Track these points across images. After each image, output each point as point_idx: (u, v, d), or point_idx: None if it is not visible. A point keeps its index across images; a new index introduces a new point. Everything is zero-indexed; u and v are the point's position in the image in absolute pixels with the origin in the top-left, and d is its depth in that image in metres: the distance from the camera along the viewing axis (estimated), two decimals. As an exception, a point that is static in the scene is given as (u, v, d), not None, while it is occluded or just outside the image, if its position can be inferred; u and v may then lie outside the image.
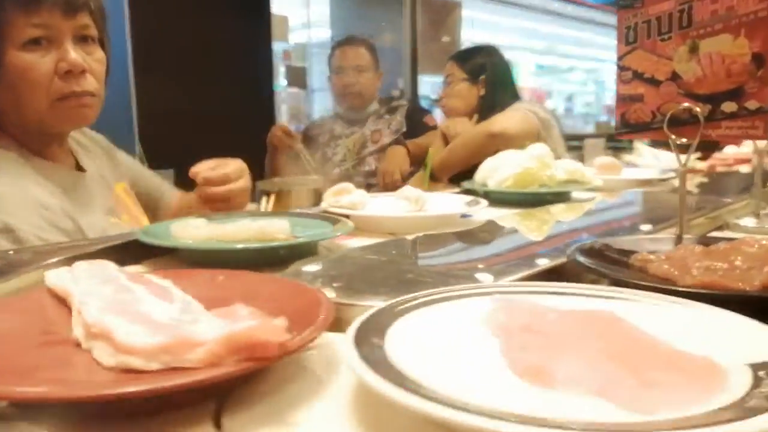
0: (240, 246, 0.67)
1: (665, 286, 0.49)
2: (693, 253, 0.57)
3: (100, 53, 0.97)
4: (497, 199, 1.09)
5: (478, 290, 0.48)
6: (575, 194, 1.22)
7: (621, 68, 0.75)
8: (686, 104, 0.69)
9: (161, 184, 1.27)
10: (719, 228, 0.91)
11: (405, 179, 2.30)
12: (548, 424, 0.27)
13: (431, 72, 4.65)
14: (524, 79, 6.96)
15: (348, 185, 0.97)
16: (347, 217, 0.83)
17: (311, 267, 0.61)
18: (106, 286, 0.49)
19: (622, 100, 0.75)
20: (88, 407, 0.36)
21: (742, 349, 0.35)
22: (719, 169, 1.75)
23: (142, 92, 2.83)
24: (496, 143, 1.81)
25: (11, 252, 0.72)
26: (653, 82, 0.73)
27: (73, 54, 0.89)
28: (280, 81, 3.88)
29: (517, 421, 0.27)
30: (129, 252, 0.70)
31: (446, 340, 0.40)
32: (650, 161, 1.72)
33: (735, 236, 0.68)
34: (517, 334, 0.39)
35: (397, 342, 0.38)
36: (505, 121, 1.88)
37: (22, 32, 0.86)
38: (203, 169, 0.99)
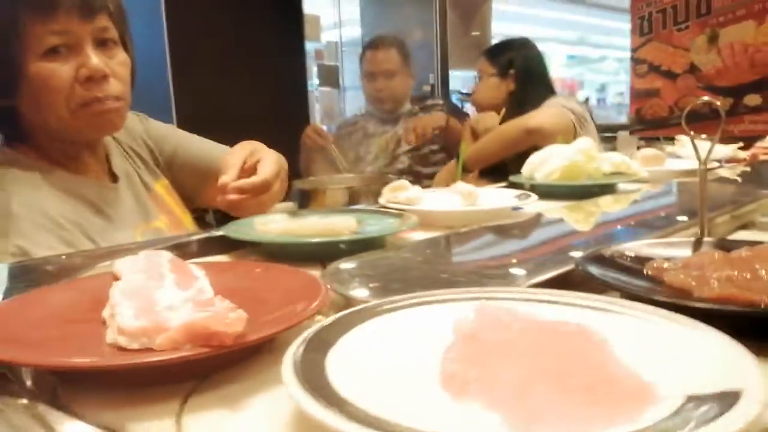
0: (308, 240, 0.73)
1: (678, 301, 0.45)
2: (712, 261, 0.52)
3: (122, 56, 0.93)
4: (545, 192, 1.11)
5: (467, 295, 0.46)
6: (621, 186, 1.23)
7: (635, 61, 0.75)
8: (706, 98, 0.63)
9: (211, 149, 1.16)
10: (745, 226, 0.85)
11: (436, 133, 2.35)
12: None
13: (462, 66, 4.65)
14: (555, 70, 6.89)
15: (404, 182, 1.01)
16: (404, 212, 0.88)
17: (349, 265, 0.63)
18: (142, 273, 0.54)
19: (637, 95, 0.75)
20: (80, 375, 0.41)
21: (701, 378, 0.32)
22: (762, 157, 1.72)
23: (180, 94, 2.90)
24: (532, 139, 1.82)
25: (63, 256, 0.74)
26: (670, 75, 0.73)
27: (94, 59, 0.86)
28: (313, 80, 3.92)
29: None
30: (217, 244, 0.78)
31: (403, 346, 0.39)
32: (691, 152, 1.71)
33: (761, 237, 0.64)
34: (460, 343, 0.38)
35: (353, 344, 0.39)
36: (541, 116, 1.88)
37: (41, 41, 0.84)
38: (233, 173, 0.84)
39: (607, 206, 1.05)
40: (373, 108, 2.57)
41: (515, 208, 0.98)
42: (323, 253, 0.69)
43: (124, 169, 1.04)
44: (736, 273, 0.49)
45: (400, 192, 0.98)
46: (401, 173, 2.42)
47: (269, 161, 0.87)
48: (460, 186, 1.00)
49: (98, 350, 0.41)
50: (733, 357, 0.34)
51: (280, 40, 3.22)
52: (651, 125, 0.72)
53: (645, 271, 0.54)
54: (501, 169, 2.10)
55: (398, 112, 2.52)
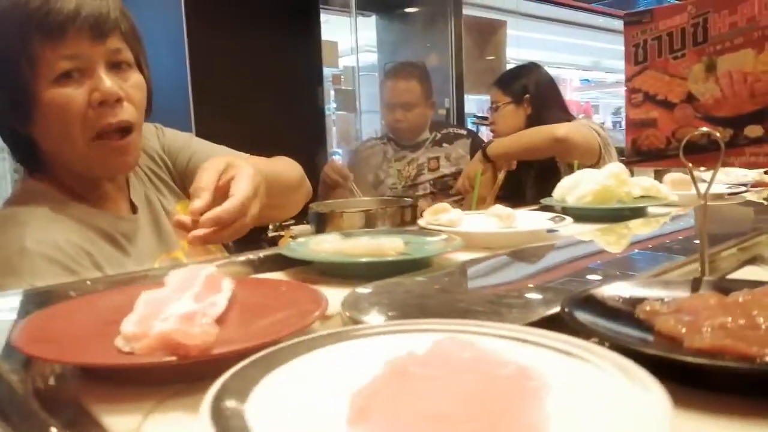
0: (356, 260, 0.76)
1: (663, 354, 0.42)
2: (707, 306, 0.48)
3: (136, 77, 0.89)
4: (576, 215, 1.13)
5: (437, 326, 0.45)
6: (651, 209, 1.25)
7: (630, 90, 0.67)
8: (704, 129, 0.59)
9: (217, 153, 1.08)
10: (752, 261, 0.81)
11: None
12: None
13: (477, 91, 4.70)
14: (570, 94, 6.92)
15: (445, 205, 1.04)
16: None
17: (366, 291, 0.63)
18: (174, 284, 0.56)
19: (633, 125, 0.67)
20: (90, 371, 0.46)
21: None
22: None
23: (200, 117, 2.96)
24: (557, 147, 1.83)
25: (89, 282, 0.73)
26: (666, 105, 0.64)
27: (108, 82, 0.83)
28: (330, 104, 3.98)
29: None
30: (276, 261, 0.82)
31: (341, 377, 0.39)
32: (719, 176, 1.71)
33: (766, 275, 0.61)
34: (385, 376, 0.37)
35: (289, 374, 0.39)
36: (568, 127, 1.88)
37: (53, 66, 0.81)
38: (206, 197, 0.72)
39: (638, 229, 1.07)
40: (392, 135, 2.56)
41: (550, 231, 1.00)
42: (371, 272, 0.71)
43: (145, 195, 1.01)
44: (730, 320, 0.45)
45: (442, 214, 1.01)
46: (422, 198, 2.39)
47: (244, 178, 0.76)
48: (498, 209, 1.03)
49: (105, 351, 0.45)
50: (654, 423, 0.32)
51: (299, 65, 3.27)
52: (648, 157, 0.70)
53: (636, 314, 0.50)
54: (517, 192, 2.10)
55: (417, 139, 2.50)
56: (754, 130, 0.58)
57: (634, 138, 0.66)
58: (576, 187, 1.25)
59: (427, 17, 4.44)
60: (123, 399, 0.42)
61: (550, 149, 1.86)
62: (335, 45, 3.68)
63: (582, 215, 1.15)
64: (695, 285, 0.57)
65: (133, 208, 0.99)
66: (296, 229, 1.58)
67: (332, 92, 3.99)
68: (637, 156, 0.67)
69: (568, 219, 1.02)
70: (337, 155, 4.18)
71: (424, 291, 0.65)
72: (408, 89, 2.42)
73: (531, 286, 0.64)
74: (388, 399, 0.34)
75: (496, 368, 0.38)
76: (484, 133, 3.40)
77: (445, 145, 2.47)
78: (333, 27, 3.94)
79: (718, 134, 0.58)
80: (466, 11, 4.60)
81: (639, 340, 0.46)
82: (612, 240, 0.97)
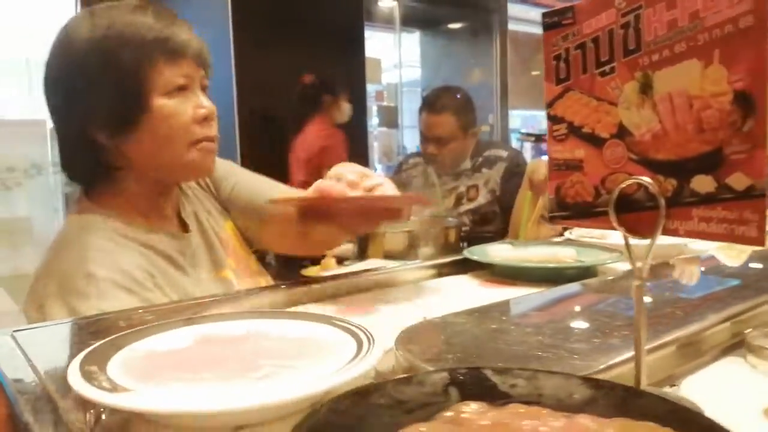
0: (532, 265, 0.84)
1: None
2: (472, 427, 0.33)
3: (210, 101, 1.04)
4: None
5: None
6: None
7: (552, 120, 0.48)
8: (643, 178, 0.42)
9: (268, 189, 1.14)
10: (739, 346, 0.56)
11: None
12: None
13: (522, 106, 4.66)
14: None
15: None
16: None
17: (428, 328, 0.59)
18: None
19: (557, 167, 0.48)
20: None
21: None
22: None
23: (245, 134, 3.06)
24: None
25: (143, 312, 0.73)
26: (594, 140, 0.45)
27: (207, 101, 0.96)
28: (372, 120, 4.02)
29: None
30: (459, 266, 0.93)
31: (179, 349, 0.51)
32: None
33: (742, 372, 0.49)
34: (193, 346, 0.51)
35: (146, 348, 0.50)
36: None
37: (169, 81, 0.92)
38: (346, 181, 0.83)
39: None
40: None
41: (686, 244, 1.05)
42: (548, 277, 0.80)
43: (194, 214, 1.06)
44: None
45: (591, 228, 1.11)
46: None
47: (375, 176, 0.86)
48: None
49: None
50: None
51: (343, 82, 3.33)
52: (574, 212, 0.48)
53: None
54: None
55: (457, 169, 2.32)
56: (703, 183, 0.39)
57: (558, 185, 0.48)
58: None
59: (471, 33, 4.45)
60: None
61: None
62: (378, 62, 3.73)
63: None
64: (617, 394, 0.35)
65: (184, 227, 1.02)
66: (340, 248, 1.61)
67: (374, 108, 4.04)
68: (561, 210, 0.48)
69: None
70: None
71: (479, 332, 0.59)
72: (441, 123, 2.23)
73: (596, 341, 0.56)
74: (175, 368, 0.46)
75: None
76: (528, 150, 3.36)
77: (484, 170, 2.30)
78: (376, 43, 4.00)
79: (656, 187, 0.41)
80: (512, 26, 4.59)
81: None
82: (733, 254, 1.01)
